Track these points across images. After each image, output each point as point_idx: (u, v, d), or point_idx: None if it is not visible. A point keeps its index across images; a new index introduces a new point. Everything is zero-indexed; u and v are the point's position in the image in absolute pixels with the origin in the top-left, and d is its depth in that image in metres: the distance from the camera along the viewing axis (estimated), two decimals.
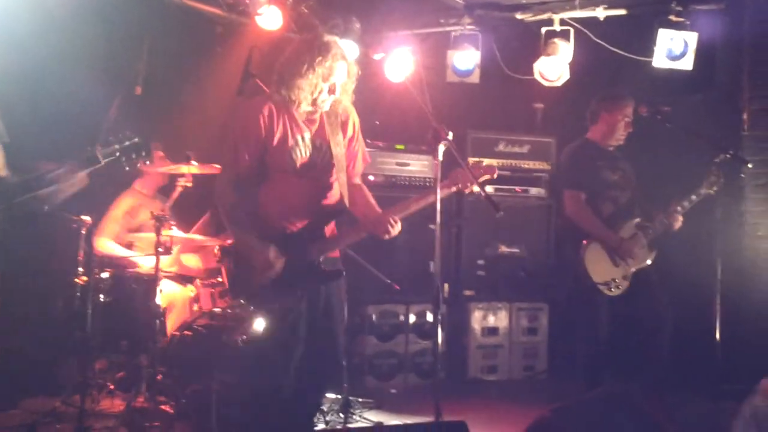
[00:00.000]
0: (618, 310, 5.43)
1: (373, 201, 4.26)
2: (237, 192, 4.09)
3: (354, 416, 5.60)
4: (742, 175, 6.88)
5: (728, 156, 5.55)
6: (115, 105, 5.22)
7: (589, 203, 5.55)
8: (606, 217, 5.55)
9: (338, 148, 4.17)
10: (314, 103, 4.07)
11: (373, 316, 7.00)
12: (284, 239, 4.05)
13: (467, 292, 7.50)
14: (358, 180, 4.33)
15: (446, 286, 7.32)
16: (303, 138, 4.09)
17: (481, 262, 7.61)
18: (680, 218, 5.54)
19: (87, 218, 5.49)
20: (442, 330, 7.03)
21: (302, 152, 4.08)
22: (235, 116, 4.22)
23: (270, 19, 6.42)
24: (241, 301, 5.41)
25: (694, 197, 5.49)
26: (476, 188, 3.97)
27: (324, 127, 4.15)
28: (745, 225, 6.97)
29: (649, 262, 5.56)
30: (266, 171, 4.11)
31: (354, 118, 4.26)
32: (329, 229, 4.18)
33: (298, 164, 4.07)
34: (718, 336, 5.20)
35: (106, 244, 6.13)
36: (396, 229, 4.04)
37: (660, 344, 5.48)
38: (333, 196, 4.19)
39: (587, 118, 5.77)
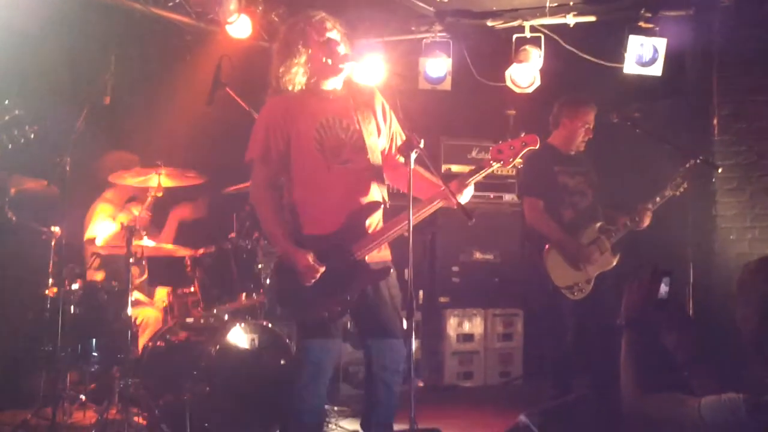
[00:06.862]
0: (583, 312, 5.43)
1: (428, 175, 4.02)
2: (272, 191, 4.02)
3: (330, 425, 5.56)
4: (713, 180, 6.94)
5: (698, 161, 5.58)
6: (83, 116, 5.17)
7: (549, 209, 5.53)
8: (567, 222, 5.54)
9: (371, 137, 4.07)
10: (319, 78, 4.03)
11: (348, 324, 6.93)
12: (325, 242, 3.93)
13: (442, 299, 7.51)
14: (402, 159, 4.01)
15: (421, 293, 7.32)
16: (327, 119, 4.02)
17: (455, 268, 7.62)
18: (649, 216, 5.54)
19: (56, 229, 5.43)
20: (417, 337, 7.02)
21: (327, 132, 4.00)
22: (256, 120, 4.20)
23: (240, 27, 6.39)
24: (215, 311, 5.46)
25: (658, 199, 5.51)
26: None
27: (350, 111, 4.08)
28: (717, 229, 7.01)
29: (614, 264, 5.56)
30: (297, 169, 4.02)
31: (380, 100, 4.17)
32: (371, 224, 4.02)
33: (325, 145, 3.98)
34: None
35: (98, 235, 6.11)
36: (467, 192, 3.92)
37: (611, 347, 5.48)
38: (369, 189, 4.05)
39: (550, 122, 5.77)
